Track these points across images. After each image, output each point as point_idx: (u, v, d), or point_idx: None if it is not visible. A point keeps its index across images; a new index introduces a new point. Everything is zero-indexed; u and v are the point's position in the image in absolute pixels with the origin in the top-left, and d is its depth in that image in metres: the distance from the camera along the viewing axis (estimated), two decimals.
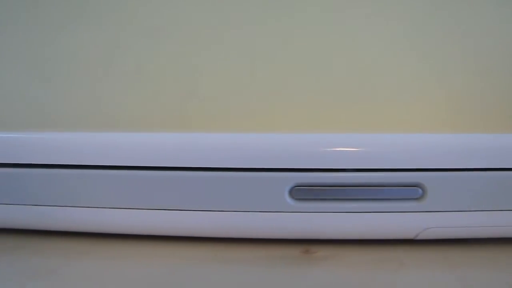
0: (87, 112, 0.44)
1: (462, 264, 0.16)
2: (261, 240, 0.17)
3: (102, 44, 0.43)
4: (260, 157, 0.16)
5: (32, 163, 0.17)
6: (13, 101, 0.44)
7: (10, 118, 0.43)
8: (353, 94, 0.38)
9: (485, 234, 0.17)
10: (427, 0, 0.41)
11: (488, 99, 0.35)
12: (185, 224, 0.16)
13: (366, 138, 0.16)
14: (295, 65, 0.41)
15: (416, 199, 0.16)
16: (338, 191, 0.16)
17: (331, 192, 0.16)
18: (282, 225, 0.16)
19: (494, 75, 0.35)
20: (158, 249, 0.17)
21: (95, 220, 0.17)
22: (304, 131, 0.18)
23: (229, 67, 0.42)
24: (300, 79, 0.41)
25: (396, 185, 0.16)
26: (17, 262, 0.16)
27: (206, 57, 0.42)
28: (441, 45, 0.37)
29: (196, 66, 0.42)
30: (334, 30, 0.38)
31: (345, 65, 0.38)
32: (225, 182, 0.16)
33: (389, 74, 0.37)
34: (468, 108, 0.35)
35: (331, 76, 0.40)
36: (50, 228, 0.18)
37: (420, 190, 0.16)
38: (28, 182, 0.17)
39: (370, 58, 0.37)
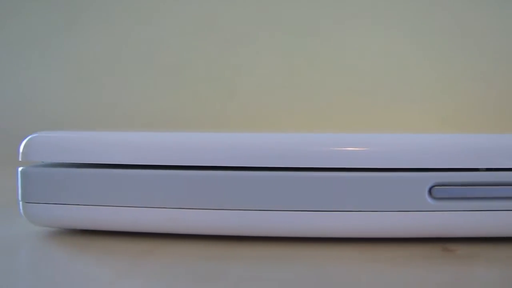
0: (133, 112, 0.45)
1: None
2: (398, 240, 0.18)
3: (141, 45, 0.45)
4: (402, 157, 0.17)
5: (93, 162, 0.18)
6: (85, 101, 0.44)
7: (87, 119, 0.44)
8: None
9: None
10: (430, 2, 0.42)
11: None
12: (333, 225, 0.17)
13: (501, 138, 0.17)
14: (334, 63, 0.42)
15: None
16: (477, 190, 0.17)
17: (470, 191, 0.17)
18: (422, 224, 0.17)
19: None
20: (303, 250, 0.17)
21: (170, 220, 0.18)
22: (434, 131, 0.19)
23: (268, 67, 0.42)
24: (341, 77, 0.41)
25: None
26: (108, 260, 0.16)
27: (245, 56, 0.43)
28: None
29: (236, 66, 0.43)
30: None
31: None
32: (370, 183, 0.17)
33: None
34: None
35: (381, 77, 0.41)
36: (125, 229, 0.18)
37: None
38: (105, 182, 0.18)
39: None
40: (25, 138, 0.18)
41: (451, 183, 0.17)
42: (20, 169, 0.18)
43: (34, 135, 0.18)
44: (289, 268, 0.16)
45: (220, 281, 0.14)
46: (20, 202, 0.18)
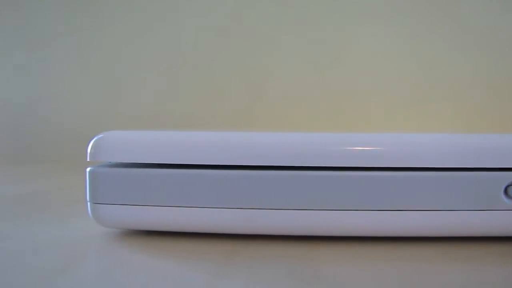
0: (158, 113, 0.45)
1: None
2: (473, 238, 0.18)
3: (170, 45, 0.45)
4: (478, 157, 0.17)
5: (167, 163, 0.18)
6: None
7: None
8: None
9: None
10: (430, 2, 0.42)
11: None
12: (410, 224, 0.17)
13: None
14: (363, 64, 0.42)
15: None
16: None
17: None
18: (498, 222, 0.17)
19: None
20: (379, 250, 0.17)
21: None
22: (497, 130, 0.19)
23: (297, 67, 0.43)
24: (367, 77, 0.42)
25: None
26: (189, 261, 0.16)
27: (276, 57, 0.43)
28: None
29: (266, 66, 0.43)
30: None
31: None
32: (446, 182, 0.17)
33: None
34: None
35: (408, 77, 0.41)
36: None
37: None
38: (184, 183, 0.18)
39: None
40: (92, 139, 0.18)
41: None
42: (88, 169, 0.18)
43: (102, 135, 0.18)
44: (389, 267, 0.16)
45: (319, 283, 0.14)
46: (89, 203, 0.18)
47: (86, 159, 0.18)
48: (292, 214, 0.17)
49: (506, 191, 0.17)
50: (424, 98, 0.41)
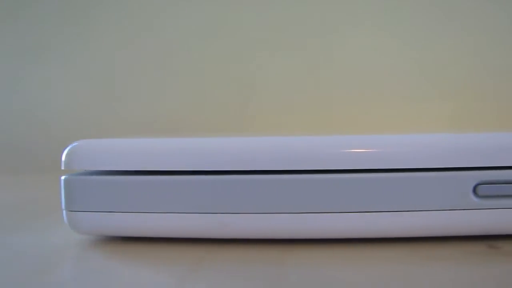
0: (145, 118, 0.45)
1: None
2: (445, 238, 0.18)
3: (160, 47, 0.45)
4: (447, 157, 0.17)
5: (141, 170, 0.18)
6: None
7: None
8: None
9: None
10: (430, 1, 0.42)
11: None
12: (381, 225, 0.17)
13: None
14: (352, 65, 0.42)
15: None
16: None
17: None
18: (467, 222, 0.17)
19: None
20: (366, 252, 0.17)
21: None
22: (471, 130, 0.19)
23: (288, 69, 0.43)
24: (358, 77, 0.42)
25: None
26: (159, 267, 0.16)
27: (266, 60, 0.43)
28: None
29: (255, 69, 0.43)
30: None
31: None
32: (414, 183, 0.17)
33: None
34: None
35: (399, 76, 0.41)
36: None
37: None
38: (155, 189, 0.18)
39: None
40: (66, 147, 0.18)
41: (496, 181, 0.17)
42: (63, 177, 0.18)
43: (75, 143, 0.19)
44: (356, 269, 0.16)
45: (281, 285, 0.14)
46: (64, 211, 0.18)
47: (61, 167, 0.18)
48: (263, 218, 0.17)
49: (475, 190, 0.17)
50: (401, 98, 0.41)
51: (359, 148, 0.17)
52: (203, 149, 0.18)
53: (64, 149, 0.18)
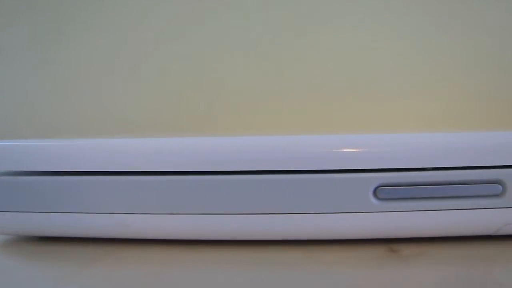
0: (107, 118, 0.45)
1: None
2: (345, 241, 0.18)
3: (123, 48, 0.44)
4: (346, 159, 0.16)
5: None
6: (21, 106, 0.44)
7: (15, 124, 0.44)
8: (418, 94, 0.39)
9: None
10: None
11: None
12: (272, 227, 0.17)
13: (445, 137, 0.17)
14: (323, 65, 0.42)
15: (496, 195, 0.17)
16: (421, 190, 0.17)
17: (414, 191, 0.17)
18: (367, 225, 0.17)
19: None
20: (245, 253, 0.17)
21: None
22: (376, 131, 0.18)
23: (254, 70, 0.42)
24: (329, 77, 0.41)
25: (476, 182, 0.17)
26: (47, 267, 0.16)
27: (229, 60, 0.43)
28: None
29: (219, 70, 0.43)
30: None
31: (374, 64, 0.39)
32: (312, 184, 0.16)
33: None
34: None
35: (366, 75, 0.41)
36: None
37: (500, 187, 0.17)
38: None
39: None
40: None
41: (396, 184, 0.17)
42: None
43: None
44: (241, 270, 0.16)
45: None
46: None
47: None
48: (162, 219, 0.17)
49: (375, 193, 0.17)
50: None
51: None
52: (107, 151, 0.18)
53: None
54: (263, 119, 0.42)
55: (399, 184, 0.17)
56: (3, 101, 0.46)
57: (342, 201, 0.17)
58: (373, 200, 0.17)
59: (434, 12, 0.41)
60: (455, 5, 0.40)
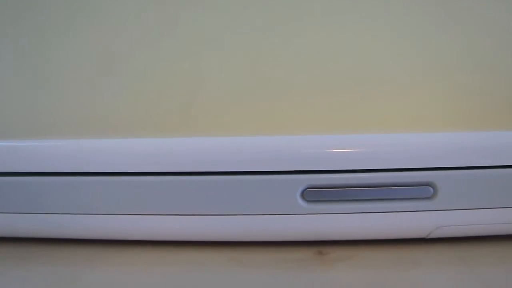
0: (89, 118, 0.44)
1: (477, 262, 0.16)
2: (273, 243, 0.17)
3: (100, 48, 0.44)
4: (272, 160, 0.16)
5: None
6: (10, 106, 0.44)
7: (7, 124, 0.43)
8: (354, 94, 0.38)
9: (497, 232, 0.17)
10: None
11: (488, 96, 0.35)
12: (198, 228, 0.16)
13: (376, 138, 0.16)
14: (297, 66, 0.41)
15: (427, 198, 0.16)
16: (350, 192, 0.16)
17: (343, 193, 0.16)
18: (295, 227, 0.16)
19: (490, 73, 0.36)
20: (171, 254, 0.17)
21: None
22: (311, 132, 0.18)
23: (231, 68, 0.42)
24: (302, 79, 0.41)
25: (407, 185, 0.16)
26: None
27: (208, 59, 0.42)
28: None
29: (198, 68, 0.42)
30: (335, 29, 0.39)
31: (342, 64, 0.38)
32: (238, 186, 0.16)
33: (389, 72, 0.37)
34: (470, 106, 0.35)
35: (333, 76, 0.41)
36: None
37: (431, 189, 0.16)
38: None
39: (366, 57, 0.37)
40: None
41: (324, 186, 0.16)
42: None
43: None
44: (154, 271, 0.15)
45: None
46: None
47: None
48: (86, 219, 0.17)
49: (303, 195, 0.16)
50: None
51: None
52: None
53: None
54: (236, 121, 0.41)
55: (327, 186, 0.16)
56: None
57: (270, 203, 0.16)
58: (301, 202, 0.16)
59: (433, 12, 0.40)
60: (453, 4, 0.40)
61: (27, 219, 0.17)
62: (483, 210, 0.16)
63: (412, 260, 0.16)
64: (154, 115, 0.42)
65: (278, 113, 0.41)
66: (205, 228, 0.16)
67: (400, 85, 0.36)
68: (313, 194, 0.16)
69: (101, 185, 0.16)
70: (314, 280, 0.15)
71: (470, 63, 0.36)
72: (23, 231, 0.18)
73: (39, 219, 0.17)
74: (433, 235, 0.17)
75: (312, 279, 0.15)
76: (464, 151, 0.16)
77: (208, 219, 0.16)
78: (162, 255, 0.17)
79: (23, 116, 0.44)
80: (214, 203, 0.16)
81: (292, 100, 0.41)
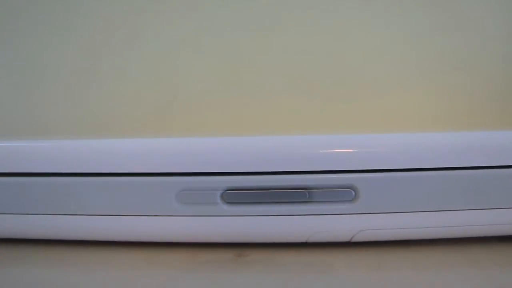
0: (73, 118, 0.44)
1: (398, 266, 0.15)
2: (192, 244, 0.17)
3: (82, 50, 0.44)
4: (194, 162, 0.16)
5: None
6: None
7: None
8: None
9: (418, 236, 0.17)
10: None
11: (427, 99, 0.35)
12: (121, 229, 0.16)
13: (297, 140, 0.16)
14: (271, 67, 0.41)
15: (349, 201, 0.16)
16: (269, 194, 0.16)
17: (262, 196, 0.16)
18: (214, 229, 0.16)
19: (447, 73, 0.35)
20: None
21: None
22: (234, 134, 0.18)
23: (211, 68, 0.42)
24: (276, 80, 0.41)
25: (329, 188, 0.16)
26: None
27: (187, 60, 0.42)
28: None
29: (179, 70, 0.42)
30: (323, 27, 0.38)
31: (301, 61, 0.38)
32: (144, 187, 0.16)
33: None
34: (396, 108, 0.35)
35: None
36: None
37: (352, 192, 0.16)
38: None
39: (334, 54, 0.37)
40: None
41: (243, 188, 0.16)
42: None
43: None
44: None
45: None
46: None
47: None
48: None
49: (222, 197, 0.16)
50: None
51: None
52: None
53: None
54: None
55: (246, 188, 0.16)
56: None
57: (192, 205, 0.16)
58: (222, 204, 0.16)
59: (433, 12, 0.40)
60: (450, 5, 0.39)
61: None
62: (403, 214, 0.16)
63: (330, 264, 0.16)
64: (131, 116, 0.43)
65: (247, 114, 0.41)
66: (126, 229, 0.16)
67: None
68: (232, 196, 0.16)
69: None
70: (232, 281, 0.15)
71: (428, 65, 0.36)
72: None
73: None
74: (356, 239, 0.17)
75: (229, 281, 0.15)
76: (384, 154, 0.16)
77: (135, 220, 0.16)
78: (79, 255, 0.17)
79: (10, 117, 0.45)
80: (130, 204, 0.16)
81: (261, 101, 0.41)
